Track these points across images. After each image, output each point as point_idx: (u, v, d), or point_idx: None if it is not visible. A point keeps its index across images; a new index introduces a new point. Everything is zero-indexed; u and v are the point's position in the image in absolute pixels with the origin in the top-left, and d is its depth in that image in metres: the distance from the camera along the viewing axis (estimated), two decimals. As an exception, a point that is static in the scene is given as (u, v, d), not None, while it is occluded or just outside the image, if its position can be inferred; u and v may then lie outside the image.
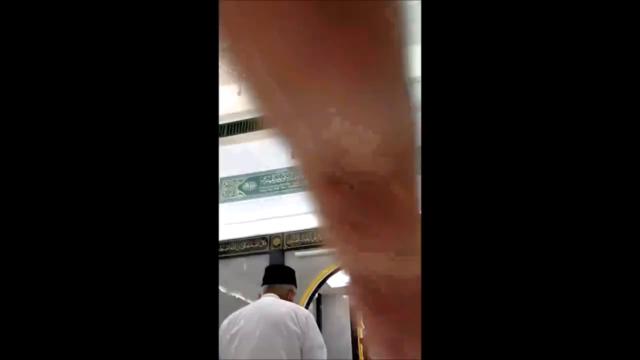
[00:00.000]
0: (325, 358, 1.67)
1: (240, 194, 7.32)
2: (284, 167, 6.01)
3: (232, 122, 6.50)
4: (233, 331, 1.72)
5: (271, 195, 6.46)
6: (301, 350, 1.62)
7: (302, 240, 5.42)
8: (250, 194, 7.08)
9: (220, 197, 7.73)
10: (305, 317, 1.72)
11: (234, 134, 6.52)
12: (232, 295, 6.28)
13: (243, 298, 5.95)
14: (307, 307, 4.89)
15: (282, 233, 5.58)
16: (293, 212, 5.72)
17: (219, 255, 6.74)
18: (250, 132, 6.35)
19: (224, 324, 1.81)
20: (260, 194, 6.87)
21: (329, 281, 5.47)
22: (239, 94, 4.08)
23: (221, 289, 6.47)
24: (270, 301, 1.81)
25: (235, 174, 7.44)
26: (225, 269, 6.60)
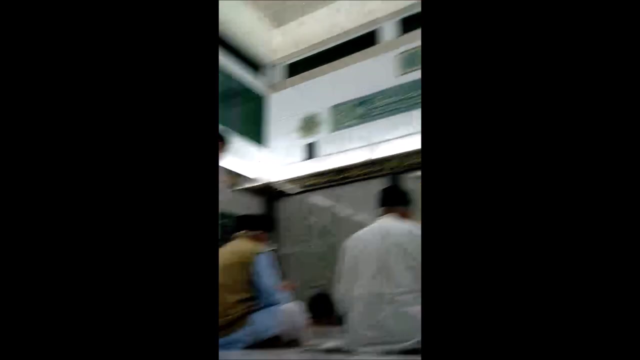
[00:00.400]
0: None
1: (352, 119, 7.32)
2: (394, 85, 5.75)
3: (332, 47, 6.33)
4: (355, 252, 1.81)
5: (383, 118, 6.31)
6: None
7: (418, 161, 5.28)
8: (362, 117, 7.02)
9: (335, 124, 7.85)
10: (424, 236, 1.71)
11: (338, 58, 6.37)
12: (355, 218, 6.58)
13: (363, 220, 6.19)
14: (430, 225, 4.88)
15: (397, 155, 5.50)
16: (406, 133, 5.54)
17: (339, 182, 7.04)
18: (353, 55, 6.12)
19: (347, 245, 1.91)
20: (372, 117, 6.76)
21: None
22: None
23: (344, 212, 6.82)
24: (388, 222, 1.83)
25: (345, 99, 7.40)
26: (347, 193, 6.89)
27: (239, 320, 1.98)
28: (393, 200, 1.93)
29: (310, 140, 7.96)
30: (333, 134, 7.66)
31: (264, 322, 2.03)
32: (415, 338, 1.50)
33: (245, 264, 2.11)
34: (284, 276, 2.38)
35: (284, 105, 8.50)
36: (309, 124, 8.06)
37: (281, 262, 7.01)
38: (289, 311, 2.14)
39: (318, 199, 7.39)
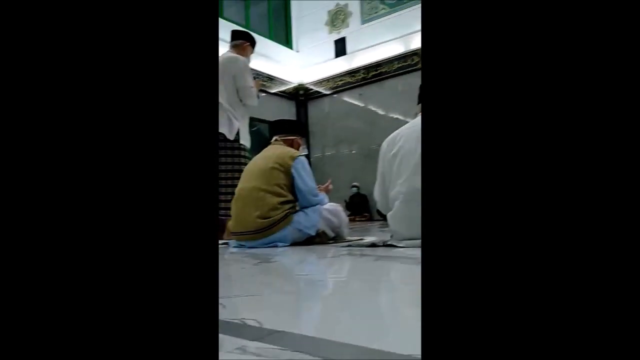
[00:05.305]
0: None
1: (383, 8, 6.74)
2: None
3: None
4: (394, 150, 1.78)
5: (417, 4, 5.77)
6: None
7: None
8: (394, 6, 6.44)
9: (364, 16, 7.28)
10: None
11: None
12: (390, 116, 6.43)
13: (401, 117, 6.05)
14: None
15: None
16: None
17: (372, 79, 6.74)
18: None
19: (384, 145, 1.88)
20: (405, 5, 6.18)
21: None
22: None
23: (378, 110, 6.66)
24: (428, 118, 1.76)
25: (375, -14, 6.74)
26: (380, 91, 6.65)
27: (282, 221, 2.07)
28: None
29: (339, 35, 7.49)
30: (363, 26, 7.15)
31: (306, 220, 2.12)
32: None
33: (284, 168, 2.14)
34: (321, 178, 2.43)
35: (309, -1, 7.88)
36: (336, 18, 7.50)
37: (317, 165, 7.14)
38: (330, 210, 2.21)
39: (350, 99, 7.19)
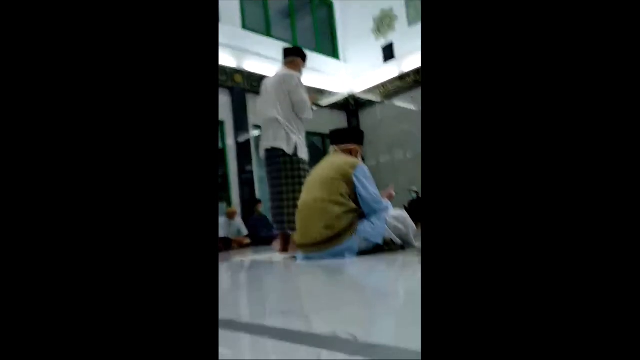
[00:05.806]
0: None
1: (429, 9, 6.61)
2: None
3: None
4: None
5: None
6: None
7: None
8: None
9: (410, 18, 7.19)
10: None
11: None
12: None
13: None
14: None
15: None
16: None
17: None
18: None
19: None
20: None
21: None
22: None
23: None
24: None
25: (419, -13, 6.62)
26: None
27: (348, 230, 2.06)
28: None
29: (386, 41, 7.43)
30: (410, 29, 7.04)
31: (373, 229, 2.09)
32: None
33: (345, 177, 2.14)
34: (378, 185, 2.39)
35: (354, 7, 7.92)
36: (382, 23, 7.46)
37: (372, 172, 7.09)
38: (396, 217, 2.16)
39: (402, 103, 7.08)
